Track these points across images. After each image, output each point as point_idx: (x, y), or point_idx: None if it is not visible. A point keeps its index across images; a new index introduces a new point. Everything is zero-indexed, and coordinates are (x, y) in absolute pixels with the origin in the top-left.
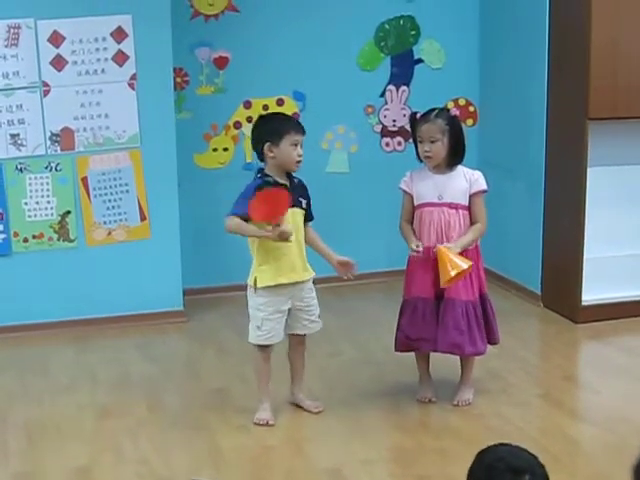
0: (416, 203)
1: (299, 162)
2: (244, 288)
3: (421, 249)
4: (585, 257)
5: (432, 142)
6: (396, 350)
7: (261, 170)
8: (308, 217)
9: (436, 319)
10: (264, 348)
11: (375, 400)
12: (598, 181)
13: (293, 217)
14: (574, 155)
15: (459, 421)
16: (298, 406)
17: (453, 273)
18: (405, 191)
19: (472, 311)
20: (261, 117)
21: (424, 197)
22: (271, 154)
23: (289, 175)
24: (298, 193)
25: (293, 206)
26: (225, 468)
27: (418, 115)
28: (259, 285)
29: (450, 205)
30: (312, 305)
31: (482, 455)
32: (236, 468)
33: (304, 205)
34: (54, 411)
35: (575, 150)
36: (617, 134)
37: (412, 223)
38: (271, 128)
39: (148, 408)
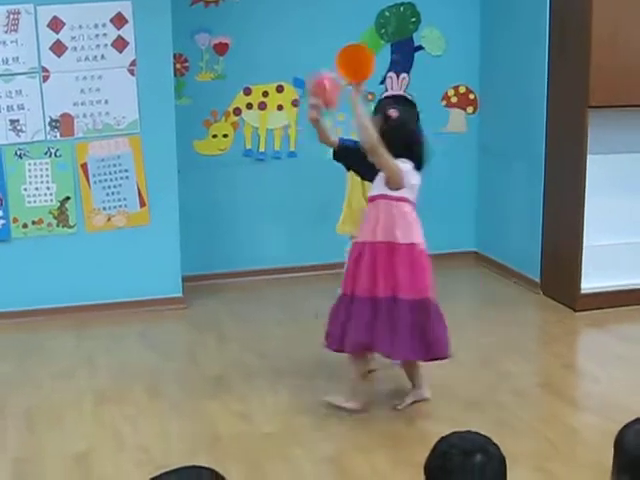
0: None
1: None
2: (243, 274)
3: None
4: (584, 245)
5: None
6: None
7: None
8: None
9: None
10: None
11: (375, 388)
12: (598, 169)
13: None
14: (574, 143)
15: (458, 410)
16: None
17: None
18: None
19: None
20: None
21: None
22: None
23: None
24: None
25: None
26: (224, 455)
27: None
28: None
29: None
30: None
31: (436, 445)
32: (235, 455)
33: None
34: (53, 397)
35: (575, 138)
36: (617, 122)
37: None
38: None
39: (147, 395)
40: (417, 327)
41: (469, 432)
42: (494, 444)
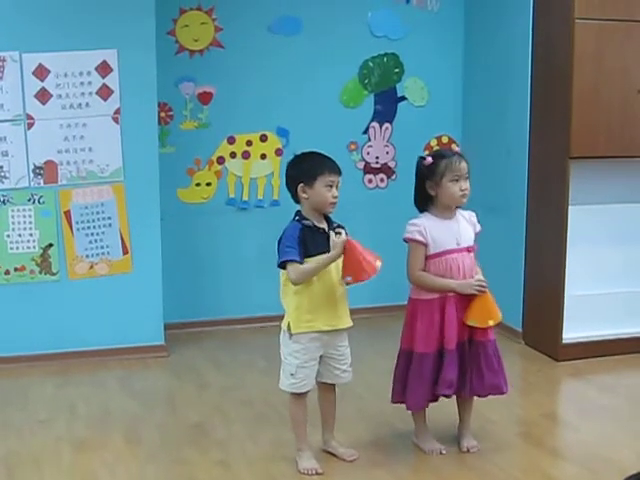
0: (434, 251)
1: (333, 203)
2: (226, 323)
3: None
4: (566, 295)
5: (466, 179)
6: (409, 409)
7: (299, 212)
8: None
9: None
10: (298, 395)
11: (355, 436)
12: (579, 219)
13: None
14: (555, 193)
15: (439, 459)
16: (331, 453)
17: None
18: (420, 242)
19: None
20: (296, 156)
21: (443, 244)
22: (304, 195)
23: (327, 218)
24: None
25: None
26: None
27: (429, 159)
28: (294, 331)
29: (468, 249)
30: (345, 355)
31: None
32: None
33: None
34: (33, 444)
35: (556, 188)
36: (598, 173)
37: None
38: (305, 168)
39: (127, 442)
40: None
41: None
42: None
